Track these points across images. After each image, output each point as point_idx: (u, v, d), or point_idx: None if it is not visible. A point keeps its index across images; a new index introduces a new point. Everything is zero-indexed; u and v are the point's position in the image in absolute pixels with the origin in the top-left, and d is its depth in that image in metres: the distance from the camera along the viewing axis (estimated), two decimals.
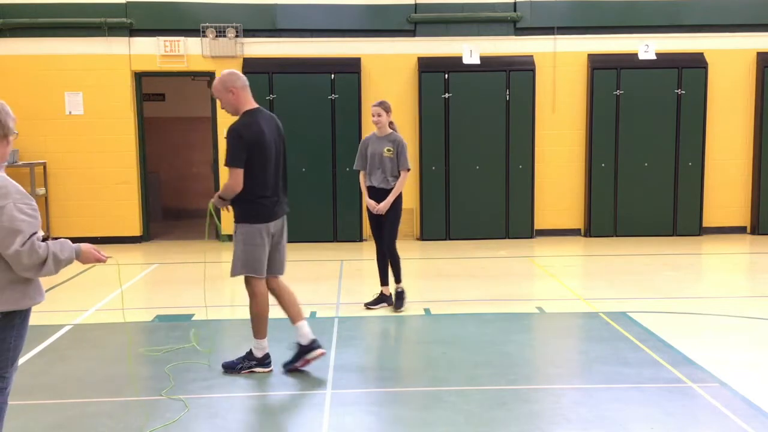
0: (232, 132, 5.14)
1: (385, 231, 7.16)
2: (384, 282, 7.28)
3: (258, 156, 5.17)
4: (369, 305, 7.24)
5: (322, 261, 9.86)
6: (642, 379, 5.18)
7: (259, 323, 5.36)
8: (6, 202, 3.35)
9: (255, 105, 5.31)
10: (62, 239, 3.52)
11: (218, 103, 5.34)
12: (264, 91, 11.27)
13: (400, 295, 7.18)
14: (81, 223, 11.44)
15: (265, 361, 5.40)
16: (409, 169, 7.15)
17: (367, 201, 7.18)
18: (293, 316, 5.45)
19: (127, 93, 11.40)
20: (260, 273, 5.27)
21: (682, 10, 11.53)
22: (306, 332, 5.42)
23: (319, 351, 5.41)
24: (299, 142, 11.26)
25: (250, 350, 5.42)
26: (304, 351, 5.40)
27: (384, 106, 7.03)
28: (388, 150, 7.03)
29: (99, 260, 3.62)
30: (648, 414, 4.59)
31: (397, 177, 7.07)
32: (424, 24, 11.54)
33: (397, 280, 7.22)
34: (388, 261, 7.21)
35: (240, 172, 5.14)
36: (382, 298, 7.26)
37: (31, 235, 3.36)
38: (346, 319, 6.88)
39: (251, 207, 5.24)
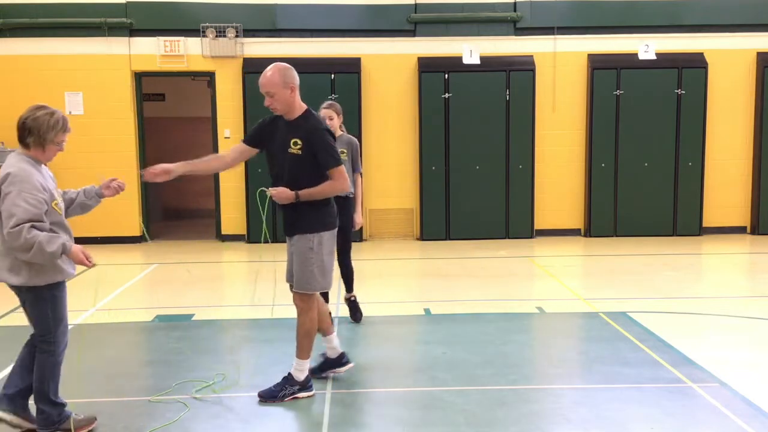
0: (320, 132, 4.69)
1: (345, 244, 6.50)
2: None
3: None
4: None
5: None
6: (642, 379, 5.18)
7: (308, 342, 4.89)
8: (13, 189, 3.95)
9: (306, 106, 4.85)
10: (58, 235, 3.93)
11: (268, 100, 4.70)
12: None
13: (355, 304, 6.83)
14: (81, 223, 11.32)
15: (307, 384, 4.93)
16: (361, 173, 6.75)
17: None
18: (325, 328, 5.17)
19: (127, 93, 11.40)
20: (330, 286, 4.93)
21: (682, 10, 11.53)
22: (336, 345, 5.23)
23: (348, 366, 5.23)
24: None
25: (289, 374, 4.91)
26: (331, 364, 5.22)
27: (335, 108, 6.50)
28: (342, 152, 6.37)
29: (82, 263, 3.99)
30: (648, 414, 4.59)
31: (352, 180, 6.42)
32: (424, 24, 11.54)
33: (350, 289, 6.83)
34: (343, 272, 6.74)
35: (344, 171, 4.75)
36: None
37: (25, 222, 3.86)
38: (347, 319, 6.88)
39: (327, 210, 4.82)
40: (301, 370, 4.89)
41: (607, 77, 11.46)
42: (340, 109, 6.59)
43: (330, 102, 6.63)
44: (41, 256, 3.90)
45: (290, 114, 4.75)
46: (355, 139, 6.74)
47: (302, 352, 4.89)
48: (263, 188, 4.76)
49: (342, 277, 6.78)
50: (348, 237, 6.59)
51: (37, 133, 4.12)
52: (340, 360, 5.25)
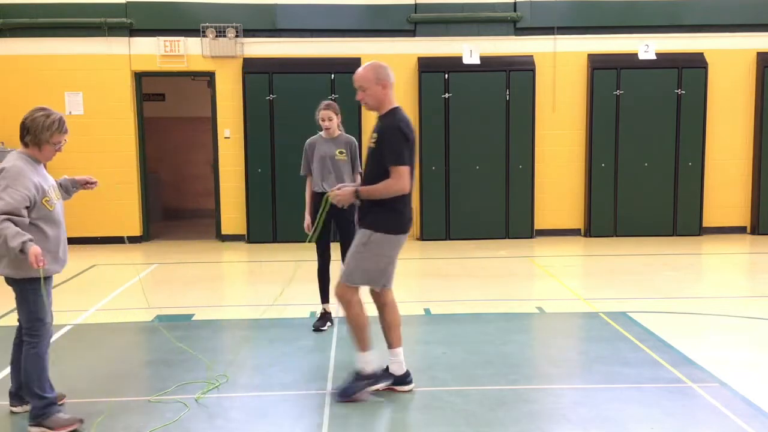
0: (393, 129, 4.66)
1: (345, 247, 6.08)
2: (325, 298, 6.65)
3: (409, 158, 4.70)
4: (317, 327, 6.56)
5: None
6: (642, 379, 5.18)
7: (359, 334, 4.82)
8: (2, 183, 4.18)
9: (397, 104, 4.84)
10: (24, 233, 4.09)
11: (359, 94, 4.75)
12: (264, 91, 11.29)
13: (324, 316, 6.61)
14: (81, 223, 11.43)
15: (380, 378, 4.87)
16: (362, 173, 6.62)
17: (308, 219, 6.44)
18: (393, 340, 4.95)
19: (127, 93, 11.40)
20: (378, 286, 4.87)
21: (682, 10, 11.53)
22: (402, 361, 4.96)
23: (411, 386, 4.95)
24: (299, 142, 11.21)
25: (357, 371, 4.87)
26: (394, 381, 4.96)
27: (334, 108, 6.45)
28: (341, 152, 6.44)
29: (32, 265, 4.09)
30: (648, 414, 4.59)
31: (352, 181, 6.30)
32: (424, 24, 11.54)
33: (327, 299, 6.61)
34: (328, 274, 6.54)
35: (407, 172, 4.64)
36: (326, 317, 6.65)
37: (2, 213, 4.07)
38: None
39: (393, 215, 4.72)
40: (365, 362, 4.83)
41: (607, 77, 11.46)
42: (339, 108, 6.55)
43: (328, 102, 6.57)
44: (6, 248, 4.13)
45: (380, 111, 4.82)
46: (355, 139, 6.67)
47: (357, 344, 4.85)
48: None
49: (328, 287, 6.62)
50: (346, 242, 6.34)
51: (34, 132, 4.34)
52: (404, 378, 4.96)
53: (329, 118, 6.43)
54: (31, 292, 4.33)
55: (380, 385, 4.90)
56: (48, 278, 4.39)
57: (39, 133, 4.34)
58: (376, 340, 4.97)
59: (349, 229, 6.09)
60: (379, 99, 4.76)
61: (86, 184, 4.96)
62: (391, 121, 4.73)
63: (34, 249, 4.08)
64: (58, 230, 4.45)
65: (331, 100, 6.81)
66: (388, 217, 4.72)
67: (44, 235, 4.30)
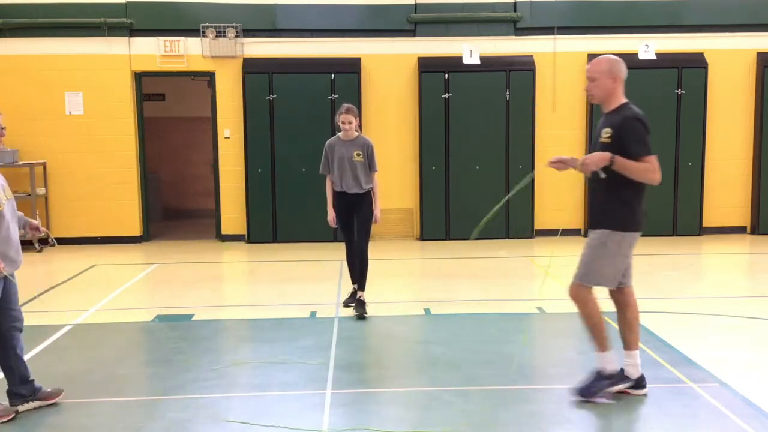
0: (633, 120, 4.61)
1: (362, 233, 7.07)
2: (355, 280, 7.22)
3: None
4: (347, 303, 7.26)
5: (322, 261, 9.86)
6: None
7: (597, 333, 4.73)
8: None
9: (626, 100, 4.82)
10: None
11: (588, 84, 4.81)
12: (264, 91, 11.29)
13: (362, 303, 7.03)
14: (81, 223, 11.44)
15: (623, 378, 4.77)
16: (377, 170, 7.16)
17: (331, 213, 7.14)
18: (632, 341, 4.81)
19: (127, 93, 11.40)
20: (614, 285, 4.76)
21: (682, 10, 11.53)
22: (638, 363, 4.82)
23: (646, 390, 4.83)
24: (299, 142, 11.27)
25: (598, 370, 4.79)
26: (633, 384, 4.83)
27: (354, 112, 6.96)
28: (358, 154, 6.97)
29: None
30: (648, 414, 4.59)
31: (368, 180, 7.05)
32: (424, 24, 11.54)
33: (362, 287, 7.11)
34: (355, 259, 7.15)
35: (657, 162, 4.53)
36: (355, 295, 7.22)
37: None
38: (346, 319, 6.88)
39: (629, 212, 4.64)
40: (606, 362, 4.73)
41: None
42: (357, 111, 7.05)
43: (348, 106, 7.04)
44: None
45: (608, 105, 4.81)
46: (371, 141, 7.11)
47: (596, 344, 4.76)
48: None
49: (356, 270, 7.13)
50: (352, 226, 7.08)
51: None
52: (639, 382, 4.83)
53: (349, 122, 6.93)
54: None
55: (619, 387, 4.77)
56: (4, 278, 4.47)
57: None
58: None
59: (365, 215, 6.99)
60: (607, 92, 4.79)
61: (34, 230, 4.89)
62: (629, 113, 4.68)
63: None
64: (8, 230, 4.47)
65: (349, 105, 7.17)
66: (625, 214, 4.64)
67: None
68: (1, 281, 4.48)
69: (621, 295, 4.86)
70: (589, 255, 4.72)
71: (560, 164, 4.89)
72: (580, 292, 4.75)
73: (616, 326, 4.92)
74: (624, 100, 4.80)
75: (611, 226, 4.65)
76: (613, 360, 4.76)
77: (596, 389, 4.73)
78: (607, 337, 4.76)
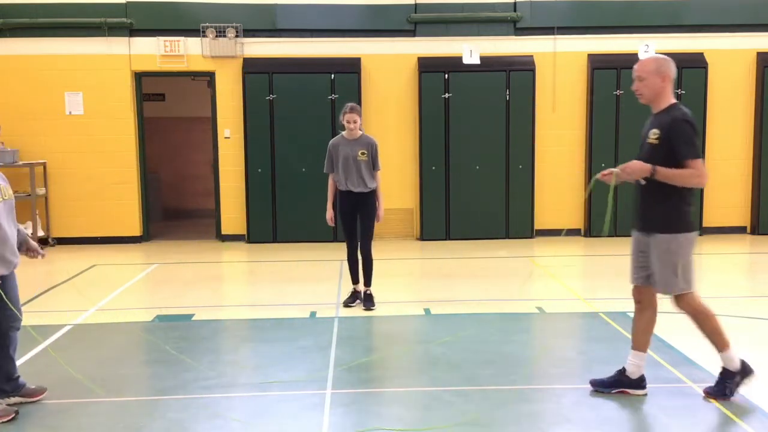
0: (683, 122, 4.58)
1: (365, 232, 7.17)
2: (356, 280, 7.33)
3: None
4: (347, 303, 7.30)
5: (322, 261, 9.86)
6: None
7: (716, 335, 4.71)
8: None
9: (675, 100, 4.80)
10: None
11: (636, 84, 4.82)
12: (264, 91, 11.29)
13: (370, 297, 7.23)
14: (81, 223, 11.44)
15: (746, 368, 4.75)
16: (380, 169, 7.25)
17: (330, 211, 7.24)
18: (643, 342, 4.86)
19: (127, 93, 11.40)
20: (693, 287, 4.72)
21: (682, 10, 11.53)
22: (642, 366, 4.86)
23: (644, 391, 4.85)
24: (299, 142, 11.27)
25: (724, 368, 4.75)
26: (626, 383, 4.87)
27: (358, 111, 7.05)
28: (363, 153, 7.05)
29: None
30: (648, 414, 4.59)
31: (372, 178, 7.14)
32: (424, 24, 11.54)
33: (368, 283, 7.26)
34: (358, 259, 7.24)
35: (704, 165, 4.57)
36: (356, 296, 7.33)
37: None
38: (346, 319, 6.88)
39: (684, 214, 4.64)
40: (730, 359, 4.71)
41: (607, 77, 11.46)
42: (361, 111, 7.14)
43: (352, 105, 7.10)
44: None
45: (656, 105, 4.78)
46: (375, 140, 7.20)
47: (717, 344, 4.73)
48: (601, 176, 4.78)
49: (362, 268, 7.24)
50: (355, 225, 7.17)
51: None
52: (639, 382, 4.86)
53: (354, 121, 7.01)
54: None
55: (746, 381, 4.74)
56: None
57: None
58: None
59: (369, 214, 7.08)
60: (656, 91, 4.76)
61: (31, 251, 4.89)
62: (677, 114, 4.65)
63: None
64: (3, 230, 4.46)
65: (354, 104, 7.25)
66: (680, 217, 4.64)
67: None
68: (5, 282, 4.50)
69: (648, 296, 4.85)
70: (659, 264, 4.66)
71: (610, 176, 4.84)
72: (689, 302, 4.71)
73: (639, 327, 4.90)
74: (673, 100, 4.78)
75: (673, 230, 4.63)
76: (735, 357, 4.72)
77: (730, 388, 4.70)
78: (726, 336, 4.73)
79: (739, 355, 4.76)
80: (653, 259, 4.70)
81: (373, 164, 7.11)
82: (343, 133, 7.13)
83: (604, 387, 4.90)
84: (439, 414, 4.59)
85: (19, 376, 4.80)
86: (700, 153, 4.59)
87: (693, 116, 4.67)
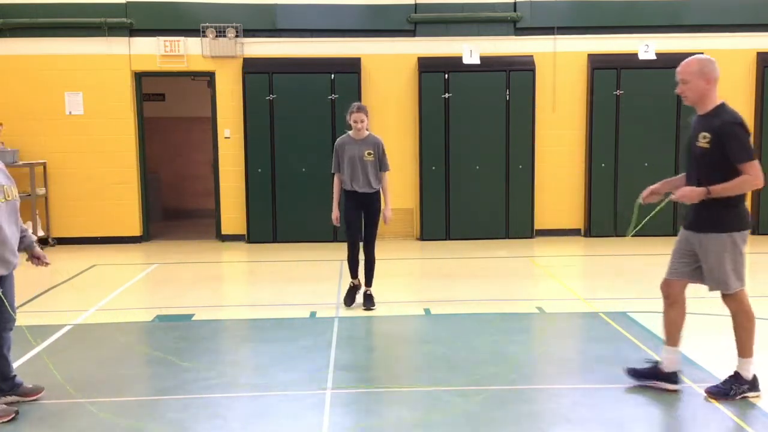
0: (735, 125, 4.62)
1: (370, 232, 7.18)
2: (355, 275, 7.30)
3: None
4: (346, 300, 7.28)
5: (322, 261, 9.86)
6: None
7: (746, 338, 4.71)
8: None
9: (721, 101, 4.78)
10: None
11: (680, 87, 4.86)
12: (264, 91, 11.29)
13: (370, 297, 7.22)
14: (81, 223, 11.44)
15: (756, 383, 4.76)
16: (389, 170, 7.23)
17: (336, 211, 7.24)
18: (677, 338, 4.85)
19: (127, 93, 11.40)
20: (743, 284, 4.81)
21: (682, 10, 11.53)
22: (676, 360, 4.87)
23: (675, 387, 4.84)
24: (299, 142, 11.27)
25: (736, 372, 4.74)
26: (659, 376, 4.86)
27: (365, 110, 7.01)
28: (369, 153, 7.02)
29: None
30: (648, 414, 4.59)
31: (378, 179, 7.11)
32: (424, 24, 11.54)
33: (369, 284, 7.27)
34: (359, 260, 7.23)
35: (759, 166, 4.56)
36: (355, 290, 7.33)
37: None
38: (346, 319, 6.88)
39: (738, 212, 4.70)
40: (747, 369, 4.71)
41: (607, 77, 11.46)
42: (367, 110, 7.08)
43: (359, 105, 7.11)
44: None
45: (702, 107, 4.77)
46: (381, 140, 7.15)
47: (744, 350, 4.72)
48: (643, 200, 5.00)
49: (364, 268, 7.24)
50: (373, 224, 7.17)
51: None
52: (671, 377, 4.86)
53: (361, 120, 6.96)
54: None
55: (753, 393, 4.73)
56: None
57: None
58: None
59: (373, 215, 7.11)
60: (701, 93, 4.73)
61: (36, 258, 4.86)
62: (728, 117, 4.65)
63: None
64: (3, 231, 4.45)
65: (359, 103, 7.26)
66: (734, 215, 4.67)
67: None
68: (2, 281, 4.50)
69: (677, 290, 4.87)
70: (715, 264, 4.70)
71: (654, 195, 4.90)
72: (742, 299, 4.76)
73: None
74: (719, 101, 4.75)
75: (728, 229, 4.66)
76: (752, 368, 4.73)
77: (735, 391, 4.70)
78: (752, 345, 4.73)
79: (754, 369, 4.75)
80: (706, 258, 4.71)
81: (381, 165, 7.08)
82: (350, 132, 7.12)
83: (637, 377, 4.92)
84: (439, 414, 4.59)
85: (15, 375, 4.81)
86: (753, 154, 4.58)
87: (742, 116, 4.68)
